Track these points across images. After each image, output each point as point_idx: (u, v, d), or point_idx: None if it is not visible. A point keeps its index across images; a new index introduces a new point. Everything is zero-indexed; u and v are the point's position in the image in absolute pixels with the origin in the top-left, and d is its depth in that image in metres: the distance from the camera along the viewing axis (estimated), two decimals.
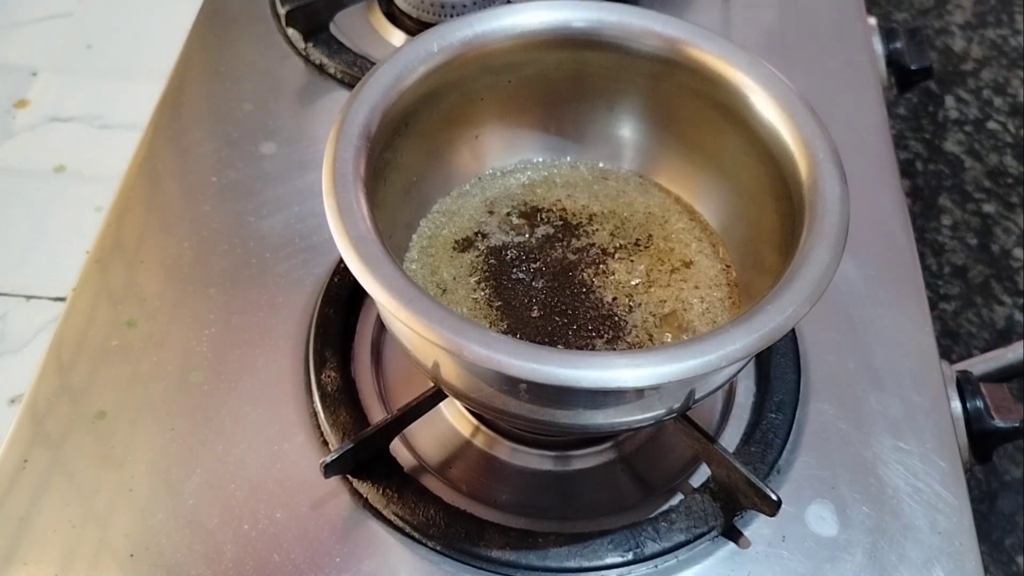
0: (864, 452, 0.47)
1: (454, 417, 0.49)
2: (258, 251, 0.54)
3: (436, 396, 0.45)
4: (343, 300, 0.51)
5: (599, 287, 0.44)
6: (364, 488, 0.45)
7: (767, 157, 0.43)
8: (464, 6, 0.64)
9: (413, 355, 0.39)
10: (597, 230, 0.47)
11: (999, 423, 0.50)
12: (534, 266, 0.45)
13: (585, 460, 0.48)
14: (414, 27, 0.66)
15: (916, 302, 0.54)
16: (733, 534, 0.45)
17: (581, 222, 0.47)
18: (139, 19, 0.75)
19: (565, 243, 0.46)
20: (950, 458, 0.47)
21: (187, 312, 0.51)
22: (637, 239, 0.47)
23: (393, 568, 0.43)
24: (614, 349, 0.42)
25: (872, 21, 0.71)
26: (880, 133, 0.62)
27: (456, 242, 0.46)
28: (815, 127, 0.41)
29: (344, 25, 0.67)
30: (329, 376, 0.48)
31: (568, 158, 0.50)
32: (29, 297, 0.58)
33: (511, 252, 0.46)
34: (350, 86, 0.63)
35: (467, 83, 0.45)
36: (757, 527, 0.45)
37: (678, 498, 0.46)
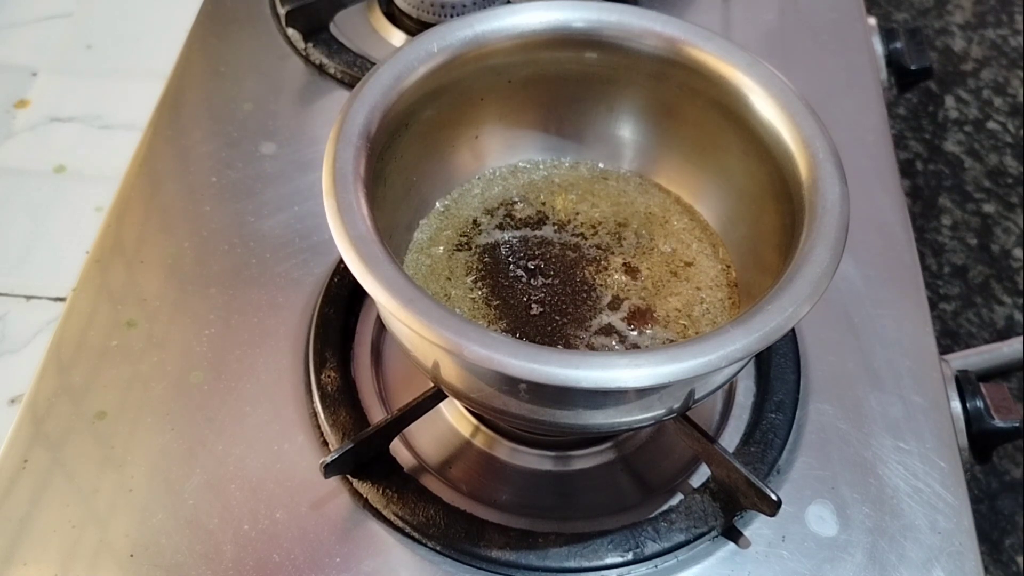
0: (864, 452, 0.47)
1: (454, 417, 0.49)
2: (258, 251, 0.54)
3: (436, 396, 0.45)
4: (343, 300, 0.51)
5: (599, 286, 0.44)
6: (364, 488, 0.45)
7: (767, 157, 0.43)
8: (464, 6, 0.64)
9: (413, 355, 0.39)
10: (597, 230, 0.47)
11: (999, 423, 0.50)
12: (532, 265, 0.45)
13: (585, 460, 0.48)
14: (414, 27, 0.66)
15: (916, 302, 0.54)
16: (733, 534, 0.45)
17: (581, 222, 0.47)
18: (139, 19, 0.75)
19: (564, 243, 0.46)
20: (950, 458, 0.47)
21: (187, 312, 0.51)
22: (637, 239, 0.47)
23: (393, 568, 0.43)
24: (614, 349, 0.42)
25: (872, 21, 0.71)
26: (880, 133, 0.62)
27: (456, 242, 0.46)
28: (815, 127, 0.41)
29: (344, 25, 0.67)
30: (329, 376, 0.48)
31: (568, 158, 0.50)
32: (29, 297, 0.58)
33: (510, 252, 0.46)
34: (350, 86, 0.63)
35: (467, 83, 0.45)
36: (757, 527, 0.45)
37: (678, 498, 0.46)
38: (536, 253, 0.46)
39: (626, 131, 0.49)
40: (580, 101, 0.48)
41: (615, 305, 0.44)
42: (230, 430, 0.47)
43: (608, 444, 0.48)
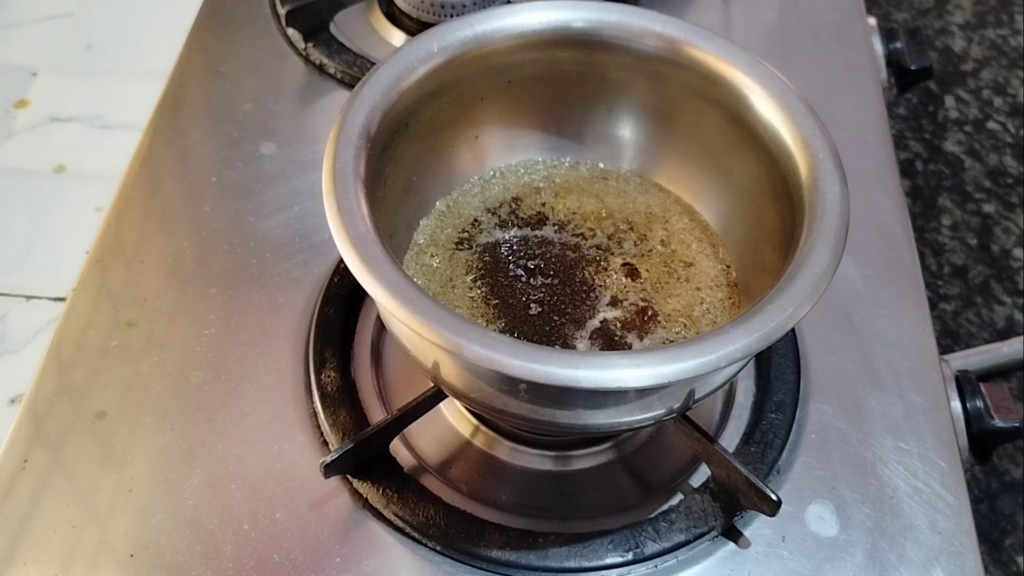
0: (864, 452, 0.47)
1: (454, 417, 0.49)
2: (258, 251, 0.54)
3: (436, 396, 0.45)
4: (343, 300, 0.51)
5: (599, 286, 0.44)
6: (364, 488, 0.45)
7: (767, 157, 0.43)
8: (464, 6, 0.64)
9: (413, 355, 0.39)
10: (597, 230, 0.47)
11: (999, 423, 0.50)
12: (532, 264, 0.45)
13: (585, 460, 0.48)
14: (414, 27, 0.66)
15: (916, 302, 0.54)
16: (733, 534, 0.45)
17: (581, 222, 0.47)
18: (139, 19, 0.75)
19: (564, 243, 0.46)
20: (950, 458, 0.47)
21: (187, 312, 0.51)
22: (637, 240, 0.47)
23: (393, 568, 0.43)
24: (613, 349, 0.42)
25: (872, 21, 0.71)
26: (880, 133, 0.63)
27: (456, 242, 0.46)
28: (815, 127, 0.41)
29: (344, 25, 0.67)
30: (329, 376, 0.48)
31: (568, 158, 0.50)
32: (29, 297, 0.58)
33: (509, 251, 0.46)
34: (350, 86, 0.63)
35: (467, 83, 0.45)
36: (757, 527, 0.45)
37: (678, 498, 0.46)
38: (536, 253, 0.46)
39: (626, 131, 0.49)
40: (580, 101, 0.48)
41: (614, 305, 0.44)
42: (230, 430, 0.47)
43: (608, 444, 0.48)
